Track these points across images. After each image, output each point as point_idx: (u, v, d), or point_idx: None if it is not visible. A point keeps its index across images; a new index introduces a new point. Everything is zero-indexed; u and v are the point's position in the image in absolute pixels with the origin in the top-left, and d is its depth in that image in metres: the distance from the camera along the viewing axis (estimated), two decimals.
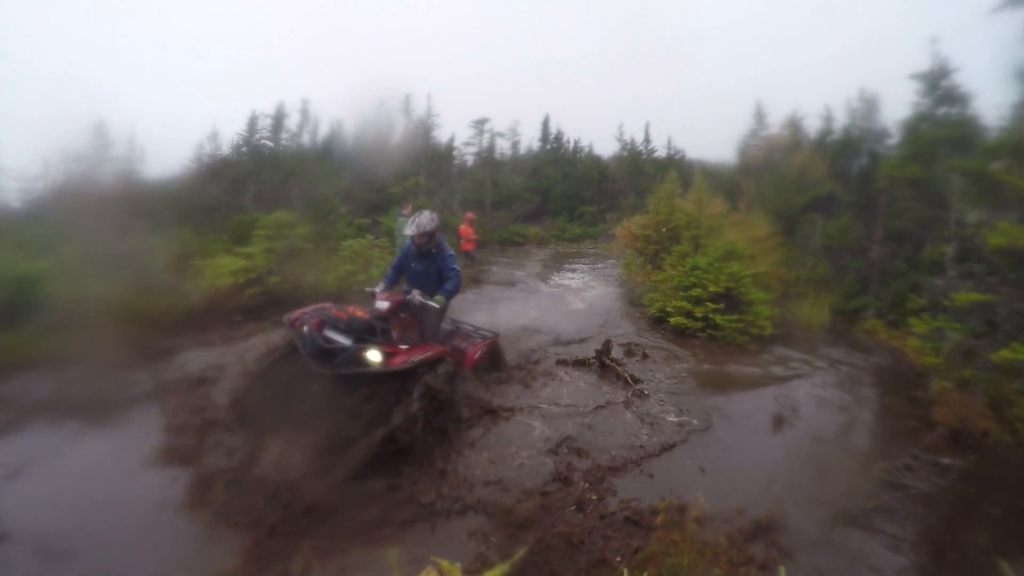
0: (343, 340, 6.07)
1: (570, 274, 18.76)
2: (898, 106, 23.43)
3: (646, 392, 7.75)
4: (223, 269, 11.65)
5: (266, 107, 25.22)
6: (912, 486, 5.88)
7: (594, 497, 5.29)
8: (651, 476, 5.77)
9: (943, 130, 12.79)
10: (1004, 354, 7.01)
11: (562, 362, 8.96)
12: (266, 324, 10.65)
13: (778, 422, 7.20)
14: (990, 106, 12.08)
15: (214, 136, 22.96)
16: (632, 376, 8.20)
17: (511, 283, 16.20)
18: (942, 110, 13.40)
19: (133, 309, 9.63)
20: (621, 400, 7.65)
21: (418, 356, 6.13)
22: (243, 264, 11.97)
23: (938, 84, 13.40)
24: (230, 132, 23.73)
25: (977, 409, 7.33)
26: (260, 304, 11.50)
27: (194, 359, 8.55)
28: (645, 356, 9.60)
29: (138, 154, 18.51)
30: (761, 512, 5.03)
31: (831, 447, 6.82)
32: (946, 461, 6.49)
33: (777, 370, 9.53)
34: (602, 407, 7.43)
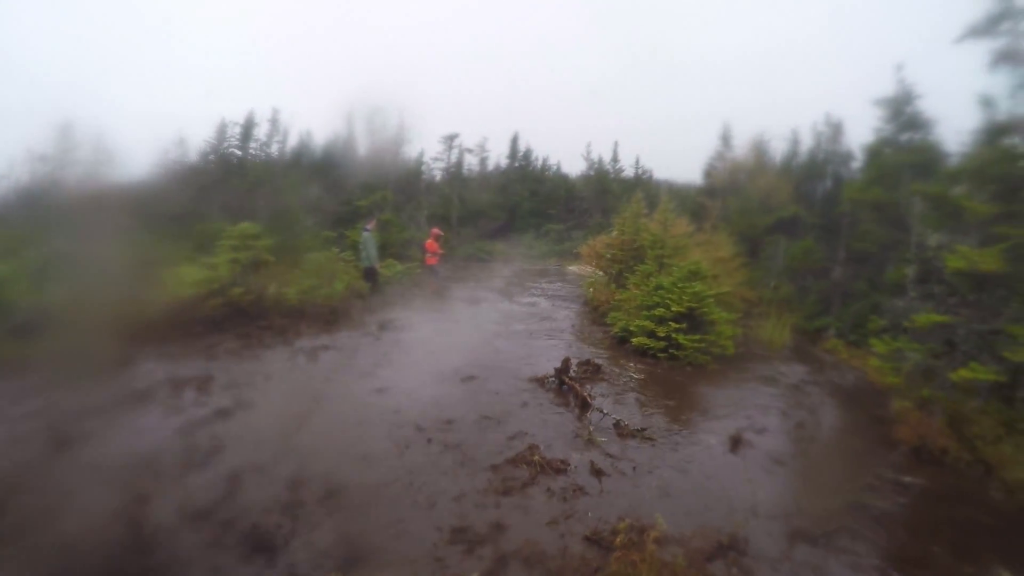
0: None
1: (534, 292, 18.73)
2: (862, 131, 23.85)
3: (605, 411, 7.67)
4: (186, 279, 11.45)
5: (235, 115, 25.01)
6: (875, 505, 5.87)
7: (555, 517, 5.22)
8: (610, 496, 5.70)
9: (906, 155, 12.98)
10: (963, 373, 7.07)
11: (520, 379, 8.94)
12: (228, 336, 10.51)
13: (739, 442, 7.16)
14: (952, 132, 12.30)
15: (181, 142, 22.69)
16: (590, 395, 8.13)
17: (475, 300, 16.13)
18: (905, 135, 13.60)
19: (95, 316, 9.44)
20: (576, 418, 7.63)
21: None
22: (206, 274, 11.80)
23: (902, 110, 13.61)
24: (198, 138, 23.51)
25: (937, 427, 7.40)
26: (222, 315, 11.33)
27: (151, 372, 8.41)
28: (605, 375, 9.56)
29: (105, 157, 18.19)
30: (722, 533, 4.97)
31: (793, 467, 6.80)
32: (908, 479, 6.51)
33: (738, 390, 9.53)
34: (558, 424, 7.41)
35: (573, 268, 23.11)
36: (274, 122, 26.20)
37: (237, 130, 24.60)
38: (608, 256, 16.56)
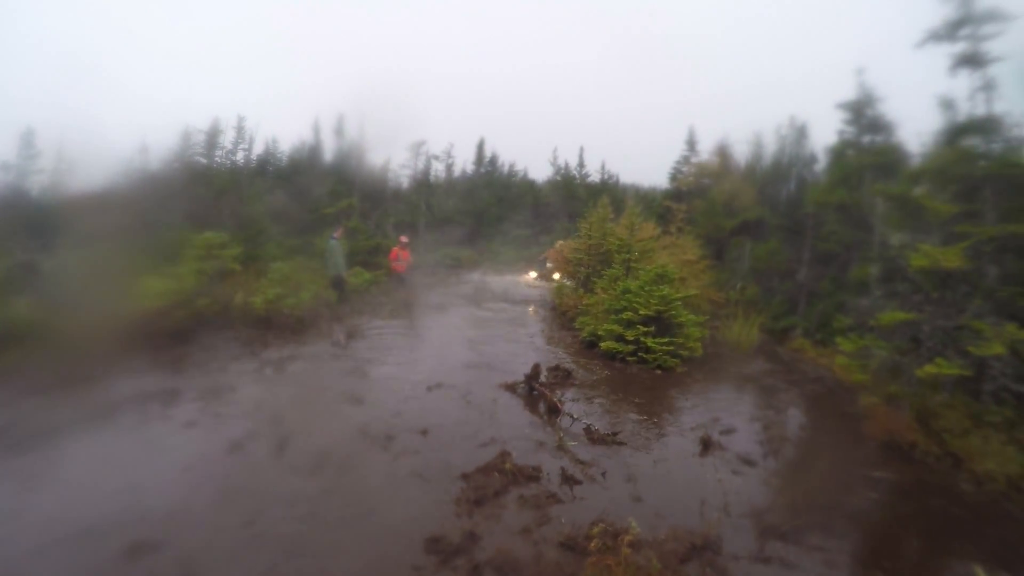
0: None
1: (502, 298, 18.70)
2: (827, 133, 24.22)
3: (575, 416, 7.65)
4: (151, 290, 11.25)
5: (200, 122, 24.68)
6: (846, 500, 5.92)
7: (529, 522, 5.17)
8: (583, 501, 5.67)
9: (868, 157, 13.16)
10: (928, 369, 7.19)
11: (490, 386, 8.91)
12: (194, 348, 10.34)
13: (709, 443, 7.18)
14: (913, 134, 12.49)
15: (144, 149, 22.34)
16: (560, 401, 8.10)
17: (442, 307, 16.06)
18: (867, 137, 13.78)
19: (58, 329, 9.29)
20: (547, 423, 7.60)
21: None
22: (172, 285, 11.62)
23: (863, 113, 13.78)
24: (162, 146, 23.11)
25: (905, 422, 7.52)
26: (188, 327, 11.14)
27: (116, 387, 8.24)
28: (575, 380, 9.54)
29: (67, 166, 17.96)
30: (695, 534, 4.96)
31: (763, 466, 6.82)
32: (878, 474, 6.59)
33: (708, 391, 9.58)
34: (528, 430, 7.38)
35: (541, 273, 22.91)
36: (239, 129, 25.95)
37: (202, 137, 24.32)
38: (575, 260, 16.60)
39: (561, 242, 22.75)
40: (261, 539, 4.69)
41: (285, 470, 5.92)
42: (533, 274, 21.40)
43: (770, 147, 20.70)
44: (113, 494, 5.28)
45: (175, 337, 10.65)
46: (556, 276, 20.50)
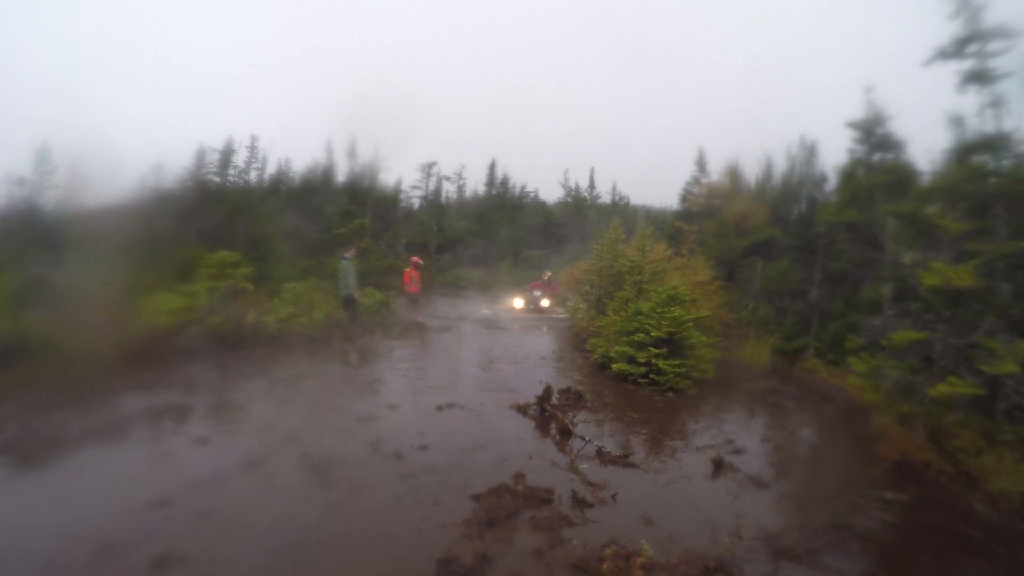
0: None
1: (514, 320, 18.70)
2: (835, 152, 24.18)
3: (587, 438, 7.63)
4: (163, 307, 11.33)
5: (214, 141, 24.98)
6: (859, 522, 5.88)
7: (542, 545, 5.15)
8: (595, 524, 5.64)
9: (879, 175, 13.10)
10: (941, 388, 7.13)
11: (502, 407, 8.89)
12: (206, 366, 10.38)
13: (721, 465, 7.14)
14: (923, 151, 12.43)
15: (158, 167, 22.55)
16: (572, 422, 8.08)
17: (454, 328, 16.08)
18: (877, 156, 13.74)
19: (71, 344, 9.34)
20: (558, 445, 7.59)
21: None
22: (184, 302, 11.70)
23: (873, 131, 13.75)
24: (176, 164, 23.32)
25: (918, 442, 7.51)
26: (200, 345, 11.19)
27: (126, 404, 8.26)
28: (586, 402, 9.52)
29: (80, 182, 18.10)
30: (708, 557, 4.92)
31: (776, 487, 6.79)
32: (891, 495, 6.55)
33: (719, 413, 9.55)
34: (540, 452, 7.35)
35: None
36: (252, 149, 26.21)
37: (215, 157, 24.58)
38: (586, 282, 16.61)
39: (549, 273, 22.76)
40: (270, 565, 4.68)
41: (295, 489, 5.91)
42: (520, 302, 21.14)
43: (780, 167, 20.72)
44: (116, 506, 5.33)
45: (187, 355, 10.71)
46: (545, 303, 20.51)
